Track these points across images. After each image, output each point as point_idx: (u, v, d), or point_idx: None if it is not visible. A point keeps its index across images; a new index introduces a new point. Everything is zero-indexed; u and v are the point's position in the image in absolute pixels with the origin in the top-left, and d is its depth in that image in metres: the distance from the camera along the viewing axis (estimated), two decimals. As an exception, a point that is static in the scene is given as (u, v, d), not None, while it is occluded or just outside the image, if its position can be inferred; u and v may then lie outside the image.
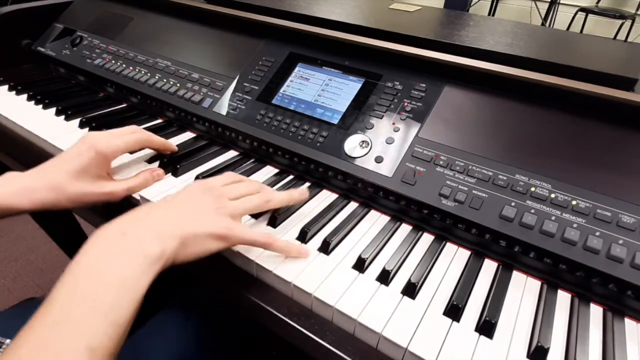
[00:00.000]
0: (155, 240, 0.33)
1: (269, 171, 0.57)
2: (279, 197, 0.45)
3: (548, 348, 0.34)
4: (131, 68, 0.71)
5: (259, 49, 0.65)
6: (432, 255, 0.43)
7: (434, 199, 0.45)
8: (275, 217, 0.46)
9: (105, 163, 0.48)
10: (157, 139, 0.54)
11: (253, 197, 0.43)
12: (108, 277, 0.30)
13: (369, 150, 0.51)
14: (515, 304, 0.39)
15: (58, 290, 0.29)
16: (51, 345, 0.26)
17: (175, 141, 0.62)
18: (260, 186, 0.46)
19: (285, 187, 0.53)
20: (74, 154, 0.46)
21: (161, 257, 0.33)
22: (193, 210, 0.38)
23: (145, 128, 0.64)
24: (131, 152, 0.57)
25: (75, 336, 0.27)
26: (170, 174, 0.54)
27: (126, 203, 0.51)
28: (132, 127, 0.52)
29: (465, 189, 0.45)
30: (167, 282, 0.65)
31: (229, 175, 0.45)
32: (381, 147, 0.50)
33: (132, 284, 0.31)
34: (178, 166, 0.54)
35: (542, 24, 3.05)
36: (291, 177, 0.56)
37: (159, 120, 0.69)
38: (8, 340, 0.46)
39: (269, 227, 0.46)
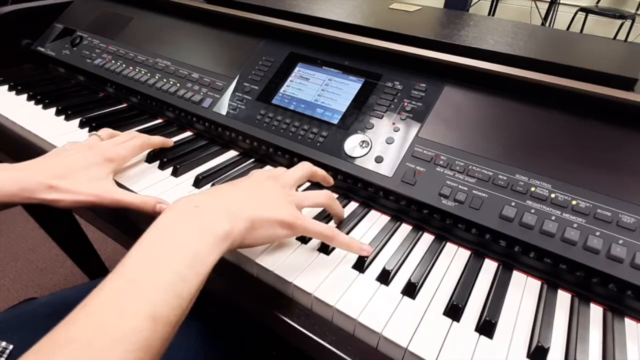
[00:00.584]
0: (225, 217, 0.34)
1: (269, 171, 0.57)
2: (341, 208, 0.46)
3: (548, 348, 0.34)
4: (131, 68, 0.71)
5: (259, 49, 0.65)
6: (432, 255, 0.43)
7: (434, 199, 0.45)
8: (389, 271, 0.40)
9: (109, 168, 0.48)
10: (156, 140, 0.56)
11: (321, 194, 0.43)
12: (176, 248, 0.30)
13: (369, 150, 0.51)
14: (515, 304, 0.39)
15: (130, 256, 0.29)
16: (117, 309, 0.26)
17: (175, 141, 0.62)
18: (314, 168, 0.47)
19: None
20: (81, 156, 0.47)
21: (228, 236, 0.33)
22: (263, 194, 0.39)
23: (145, 128, 0.65)
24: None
25: (140, 303, 0.27)
26: (170, 174, 0.54)
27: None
28: (132, 133, 0.54)
29: (465, 189, 0.45)
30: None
31: (300, 170, 0.45)
32: (381, 147, 0.50)
33: (199, 258, 0.31)
34: (178, 166, 0.54)
35: (542, 24, 3.06)
36: (291, 177, 0.56)
37: (159, 120, 0.69)
38: (4, 343, 0.46)
39: (354, 271, 0.41)
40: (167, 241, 0.31)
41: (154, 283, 0.28)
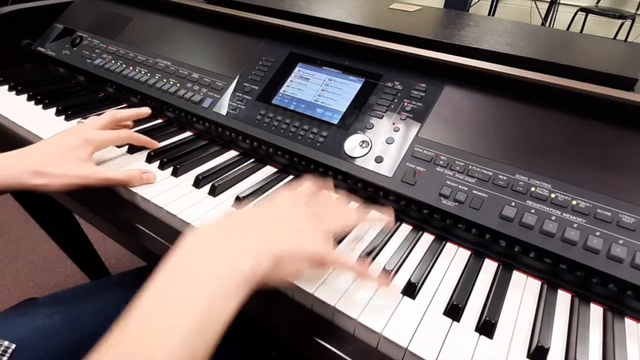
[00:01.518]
0: (248, 255, 0.30)
1: (269, 171, 0.57)
2: (371, 216, 0.42)
3: (548, 348, 0.34)
4: (131, 68, 0.71)
5: (259, 49, 0.65)
6: (432, 255, 0.43)
7: (434, 199, 0.45)
8: (389, 272, 0.40)
9: (89, 149, 0.49)
10: (141, 137, 0.56)
11: (347, 214, 0.39)
12: (192, 296, 0.26)
13: (369, 150, 0.51)
14: (515, 304, 0.39)
15: (140, 303, 0.26)
16: None
17: (175, 141, 0.62)
18: (339, 202, 0.42)
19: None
20: (62, 138, 0.49)
21: (252, 277, 0.29)
22: (289, 224, 0.34)
23: (145, 128, 0.65)
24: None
25: None
26: (170, 174, 0.54)
27: (122, 199, 0.51)
28: (111, 113, 0.54)
29: (465, 188, 0.45)
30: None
31: (311, 184, 0.41)
32: (381, 147, 0.50)
33: (217, 307, 0.27)
34: (178, 166, 0.54)
35: (542, 24, 3.05)
36: (291, 177, 0.56)
37: (159, 120, 0.69)
38: (6, 343, 0.46)
39: None
40: (181, 287, 0.27)
41: (163, 344, 0.24)
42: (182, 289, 0.27)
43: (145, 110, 0.58)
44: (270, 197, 0.38)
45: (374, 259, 0.42)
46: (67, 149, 0.47)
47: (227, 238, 0.31)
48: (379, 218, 0.43)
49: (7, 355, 0.45)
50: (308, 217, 0.36)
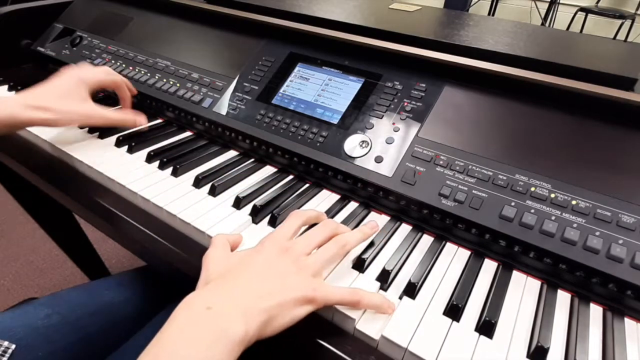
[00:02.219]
0: (240, 317, 0.30)
1: (269, 171, 0.57)
2: (354, 238, 0.41)
3: (548, 348, 0.34)
4: (131, 68, 0.71)
5: (259, 49, 0.65)
6: (432, 255, 0.43)
7: (434, 199, 0.45)
8: (388, 272, 0.40)
9: (86, 88, 0.55)
10: (129, 95, 0.64)
11: (330, 247, 0.39)
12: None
13: (369, 150, 0.51)
14: (515, 304, 0.39)
15: None
16: None
17: (175, 141, 0.62)
18: (328, 225, 0.41)
19: (285, 187, 0.53)
20: (62, 79, 0.55)
21: (244, 339, 0.30)
22: (275, 275, 0.35)
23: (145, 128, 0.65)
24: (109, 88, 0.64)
25: None
26: (170, 174, 0.54)
27: (123, 199, 0.51)
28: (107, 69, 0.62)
29: (465, 188, 0.45)
30: (166, 285, 0.65)
31: (296, 218, 0.41)
32: (381, 147, 0.50)
33: None
34: (178, 166, 0.54)
35: (542, 24, 3.05)
36: (291, 177, 0.56)
37: (159, 121, 0.69)
38: (6, 343, 0.46)
39: (354, 271, 0.41)
40: (174, 357, 0.28)
41: None
42: (174, 358, 0.28)
43: (143, 120, 0.63)
44: (256, 249, 0.38)
45: (373, 259, 0.43)
46: (68, 87, 0.53)
47: (222, 304, 0.31)
48: (362, 238, 0.42)
49: (7, 355, 0.45)
50: (292, 262, 0.36)
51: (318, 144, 0.53)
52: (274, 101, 0.59)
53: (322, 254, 0.38)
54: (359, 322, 0.36)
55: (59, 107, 0.52)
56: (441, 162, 0.47)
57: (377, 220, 0.49)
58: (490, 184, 0.44)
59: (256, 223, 0.47)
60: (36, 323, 0.51)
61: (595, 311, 0.39)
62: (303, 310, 0.34)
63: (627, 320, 0.38)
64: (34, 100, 0.51)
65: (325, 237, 0.40)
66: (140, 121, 0.57)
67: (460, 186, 0.45)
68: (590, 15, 2.92)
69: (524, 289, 0.41)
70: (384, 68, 0.56)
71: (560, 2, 3.06)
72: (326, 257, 0.38)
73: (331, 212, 0.49)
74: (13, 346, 0.46)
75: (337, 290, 0.36)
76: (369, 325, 0.35)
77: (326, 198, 0.52)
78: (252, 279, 0.34)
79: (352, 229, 0.47)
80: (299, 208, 0.50)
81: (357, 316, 0.36)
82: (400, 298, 0.38)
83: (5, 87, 0.75)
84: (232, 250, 0.40)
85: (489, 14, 3.24)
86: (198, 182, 0.52)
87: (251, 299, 0.32)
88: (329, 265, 0.38)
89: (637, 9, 2.91)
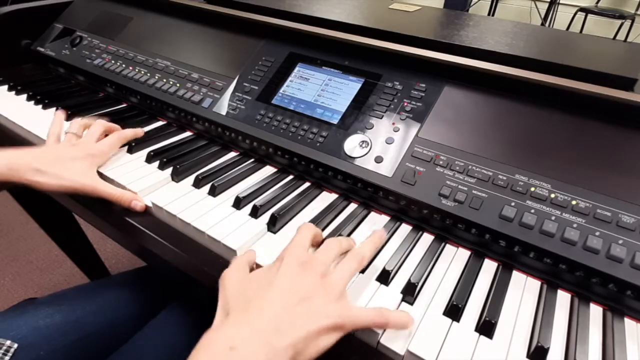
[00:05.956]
0: (265, 358, 0.29)
1: (269, 171, 0.57)
2: (369, 251, 0.39)
3: (548, 348, 0.34)
4: (131, 68, 0.71)
5: (259, 49, 0.65)
6: (432, 255, 0.43)
7: (433, 199, 0.45)
8: (389, 272, 0.40)
9: (91, 162, 0.53)
10: (128, 133, 0.59)
11: (350, 262, 0.37)
12: None
13: (369, 150, 0.51)
14: (515, 304, 0.39)
15: None
16: None
17: (175, 141, 0.62)
18: (339, 239, 0.40)
19: (285, 187, 0.53)
20: (64, 148, 0.53)
21: None
22: (299, 298, 0.33)
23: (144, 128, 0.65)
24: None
25: None
26: (170, 175, 0.54)
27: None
28: (101, 123, 0.58)
29: (465, 189, 0.45)
30: (166, 285, 0.65)
31: (306, 230, 0.39)
32: (381, 147, 0.50)
33: None
34: (178, 166, 0.54)
35: (542, 24, 3.05)
36: (291, 177, 0.56)
37: (159, 121, 0.69)
38: (8, 342, 0.46)
39: (377, 283, 0.40)
40: None
41: None
42: None
43: (141, 132, 0.62)
44: (276, 265, 0.36)
45: (373, 259, 0.42)
46: (72, 158, 0.51)
47: (245, 343, 0.29)
48: (375, 249, 0.41)
49: (10, 355, 0.45)
50: (317, 278, 0.34)
51: (318, 144, 0.53)
52: (274, 101, 0.59)
53: (345, 270, 0.36)
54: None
55: (54, 171, 0.49)
56: (441, 162, 0.47)
57: (377, 220, 0.49)
58: (490, 184, 0.44)
59: (256, 220, 0.47)
60: (37, 323, 0.51)
61: (595, 311, 0.39)
62: (331, 340, 0.32)
63: (627, 320, 0.38)
64: (40, 164, 0.49)
65: (342, 249, 0.39)
66: (136, 205, 0.49)
67: (460, 186, 0.45)
68: (590, 16, 2.92)
69: (524, 289, 0.41)
70: (384, 68, 0.56)
71: (560, 2, 3.06)
72: (349, 273, 0.37)
73: (331, 212, 0.49)
74: (15, 345, 0.46)
75: (364, 313, 0.34)
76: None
77: (326, 198, 0.52)
78: (276, 308, 0.32)
79: (352, 228, 0.47)
80: (300, 209, 0.50)
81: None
82: (400, 298, 0.38)
83: (5, 87, 0.75)
84: (250, 269, 0.38)
85: (488, 14, 3.24)
86: (198, 182, 0.52)
87: (277, 333, 0.30)
88: (349, 280, 0.37)
89: (637, 9, 2.91)
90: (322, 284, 0.34)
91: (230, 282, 0.35)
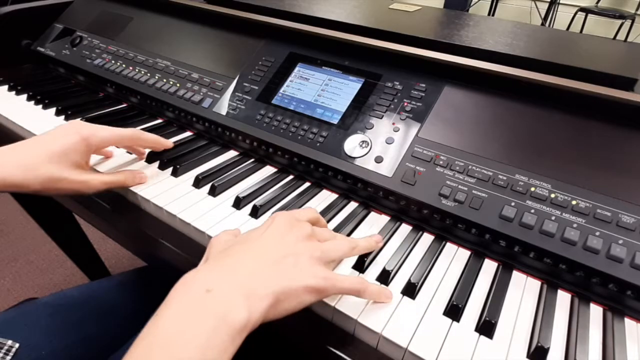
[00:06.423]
0: (243, 302, 0.28)
1: (269, 171, 0.57)
2: (363, 244, 0.40)
3: (548, 348, 0.34)
4: (131, 68, 0.71)
5: (259, 49, 0.65)
6: (432, 255, 0.43)
7: (433, 199, 0.45)
8: (389, 272, 0.40)
9: (87, 152, 0.46)
10: (149, 136, 0.52)
11: (343, 242, 0.38)
12: (180, 354, 0.25)
13: (369, 150, 0.51)
14: (515, 304, 0.39)
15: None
16: None
17: (175, 141, 0.62)
18: (333, 234, 0.40)
19: (285, 187, 0.53)
20: (56, 135, 0.44)
21: (246, 326, 0.28)
22: (285, 254, 0.33)
23: (145, 128, 0.65)
24: (118, 146, 0.58)
25: None
26: (170, 174, 0.54)
27: (123, 200, 0.51)
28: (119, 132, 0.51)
29: (465, 189, 0.45)
30: (166, 285, 0.65)
31: (310, 210, 0.40)
32: (381, 147, 0.50)
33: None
34: (178, 166, 0.54)
35: (542, 24, 3.05)
36: (291, 177, 0.56)
37: (159, 121, 0.69)
38: (9, 342, 0.46)
39: (354, 271, 0.41)
40: (169, 345, 0.25)
41: None
42: (170, 347, 0.25)
43: (168, 144, 0.55)
44: (267, 223, 0.36)
45: (373, 259, 0.43)
46: (62, 148, 0.44)
47: (223, 287, 0.29)
48: (369, 247, 0.41)
49: (11, 354, 0.45)
50: (304, 240, 0.35)
51: (318, 144, 0.53)
52: (274, 101, 0.59)
53: (336, 244, 0.37)
54: (360, 316, 0.35)
55: (49, 173, 0.42)
56: (441, 162, 0.47)
57: (377, 220, 0.49)
58: (490, 184, 0.44)
59: (257, 220, 0.47)
60: (38, 322, 0.51)
61: (595, 311, 0.39)
62: (311, 298, 0.32)
63: (627, 320, 0.38)
64: (31, 165, 0.42)
65: (334, 236, 0.39)
66: (142, 179, 0.47)
67: (460, 186, 0.45)
68: (590, 15, 2.92)
69: (524, 289, 0.41)
70: (384, 68, 0.56)
71: (560, 2, 3.06)
72: (339, 248, 0.37)
73: (331, 212, 0.49)
74: (17, 345, 0.46)
75: (346, 279, 0.34)
76: (370, 320, 0.35)
77: (326, 198, 0.52)
78: (259, 255, 0.32)
79: (352, 229, 0.47)
80: (299, 208, 0.50)
81: (357, 314, 0.36)
82: (400, 298, 0.38)
83: (6, 87, 0.75)
84: None
85: (489, 14, 3.24)
86: (198, 182, 0.52)
87: (257, 279, 0.30)
88: (338, 259, 0.37)
89: (637, 9, 2.91)
90: (310, 248, 0.34)
91: (217, 241, 0.36)
